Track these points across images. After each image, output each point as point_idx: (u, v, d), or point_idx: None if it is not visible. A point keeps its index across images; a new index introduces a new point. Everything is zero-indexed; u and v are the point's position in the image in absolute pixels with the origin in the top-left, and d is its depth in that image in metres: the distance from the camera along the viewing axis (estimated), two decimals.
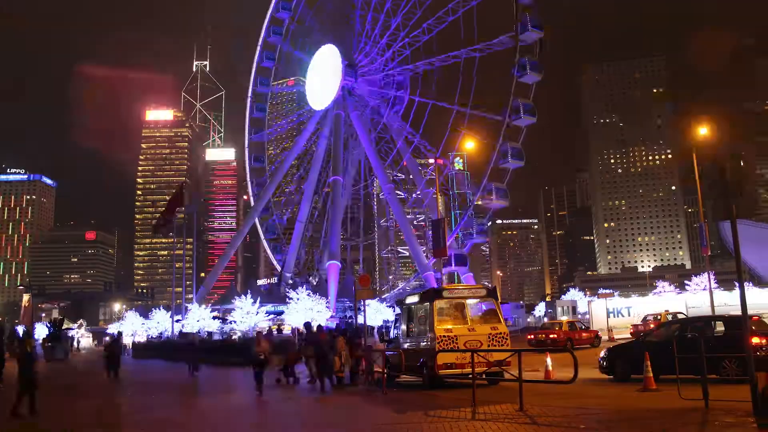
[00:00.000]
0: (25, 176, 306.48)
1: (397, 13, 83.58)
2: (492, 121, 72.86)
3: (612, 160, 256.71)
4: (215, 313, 73.44)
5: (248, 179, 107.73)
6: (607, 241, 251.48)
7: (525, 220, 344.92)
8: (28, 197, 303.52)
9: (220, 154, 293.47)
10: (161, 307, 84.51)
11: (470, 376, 15.76)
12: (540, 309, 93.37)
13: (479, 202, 74.81)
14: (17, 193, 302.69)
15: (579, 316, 66.68)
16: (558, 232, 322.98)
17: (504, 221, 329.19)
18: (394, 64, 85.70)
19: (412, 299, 23.34)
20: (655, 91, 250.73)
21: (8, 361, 25.52)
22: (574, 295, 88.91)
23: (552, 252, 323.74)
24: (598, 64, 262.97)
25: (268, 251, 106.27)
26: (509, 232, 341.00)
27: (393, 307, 60.35)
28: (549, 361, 21.01)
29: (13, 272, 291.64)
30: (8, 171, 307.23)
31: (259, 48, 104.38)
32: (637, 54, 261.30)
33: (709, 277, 45.61)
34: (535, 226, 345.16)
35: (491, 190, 70.78)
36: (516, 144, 70.63)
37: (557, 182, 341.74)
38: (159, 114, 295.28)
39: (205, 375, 32.63)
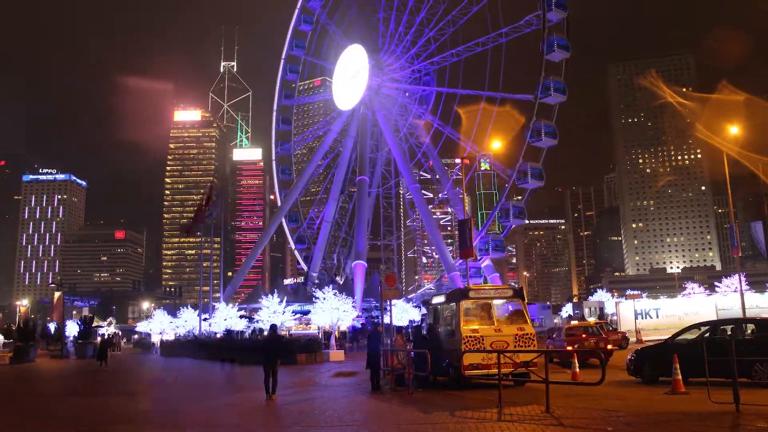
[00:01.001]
0: (57, 176, 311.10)
1: (420, 9, 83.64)
2: (523, 104, 72.46)
3: (640, 160, 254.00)
4: (242, 312, 73.82)
5: (277, 190, 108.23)
6: (635, 241, 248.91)
7: (552, 221, 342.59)
8: (60, 197, 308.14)
9: (247, 154, 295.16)
10: (189, 306, 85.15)
11: (496, 377, 15.70)
12: (567, 310, 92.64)
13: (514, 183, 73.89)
14: (49, 192, 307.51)
15: (607, 318, 66.05)
16: (585, 233, 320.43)
17: (531, 221, 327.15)
18: (420, 60, 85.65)
19: (439, 299, 23.32)
20: (684, 90, 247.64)
21: (42, 356, 25.91)
22: (601, 296, 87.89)
23: (579, 252, 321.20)
24: (623, 62, 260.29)
25: (296, 253, 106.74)
26: (536, 233, 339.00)
27: (419, 307, 60.17)
28: (576, 362, 20.86)
29: (45, 270, 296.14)
30: (41, 171, 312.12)
31: (282, 61, 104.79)
32: (663, 53, 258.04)
33: (740, 278, 44.82)
34: (562, 227, 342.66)
35: (526, 170, 70.16)
36: (549, 122, 70.13)
37: (584, 182, 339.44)
38: (187, 115, 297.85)
39: (251, 374, 32.82)
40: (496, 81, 76.64)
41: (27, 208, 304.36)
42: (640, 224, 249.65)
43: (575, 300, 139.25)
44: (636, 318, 49.12)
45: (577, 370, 20.55)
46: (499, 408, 14.35)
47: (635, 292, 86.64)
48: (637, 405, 15.12)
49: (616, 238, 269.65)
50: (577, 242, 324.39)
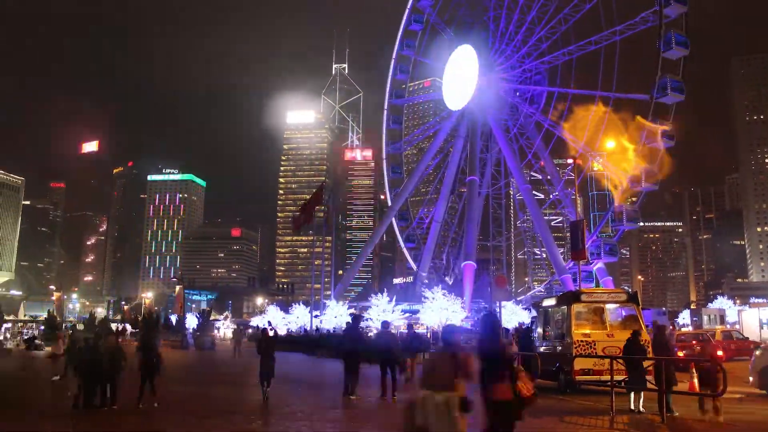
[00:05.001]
0: (179, 176, 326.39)
1: (531, 8, 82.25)
2: (638, 104, 69.92)
3: (766, 160, 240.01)
4: (352, 310, 75.04)
5: (386, 189, 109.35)
6: (760, 246, 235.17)
7: (668, 223, 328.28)
8: (181, 195, 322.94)
9: (358, 154, 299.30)
10: (300, 303, 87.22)
11: (608, 383, 15.34)
12: (684, 316, 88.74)
13: (628, 186, 71.42)
14: (171, 191, 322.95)
15: (727, 326, 62.86)
16: (704, 236, 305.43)
17: (646, 223, 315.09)
18: (531, 59, 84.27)
19: (549, 302, 23.02)
20: None
21: (164, 347, 27.21)
22: (722, 303, 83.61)
23: (698, 257, 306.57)
24: (748, 57, 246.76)
25: (405, 252, 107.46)
26: (651, 235, 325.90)
27: (529, 309, 59.36)
28: (694, 371, 20.04)
29: (168, 265, 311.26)
30: (164, 171, 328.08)
31: (393, 61, 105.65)
32: None
33: None
34: (680, 229, 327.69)
35: (640, 173, 67.78)
36: (666, 122, 67.34)
37: (704, 183, 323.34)
38: (300, 116, 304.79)
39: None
40: (609, 80, 74.38)
41: (151, 207, 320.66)
42: (766, 228, 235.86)
43: (693, 306, 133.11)
44: (761, 327, 46.46)
45: (695, 379, 19.74)
46: (612, 415, 14.02)
47: (760, 300, 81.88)
48: (759, 418, 14.40)
49: (738, 242, 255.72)
50: (696, 246, 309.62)
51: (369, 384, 20.50)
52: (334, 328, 64.23)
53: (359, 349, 19.14)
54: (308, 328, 66.36)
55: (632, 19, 70.59)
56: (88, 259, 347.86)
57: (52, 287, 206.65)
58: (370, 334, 52.98)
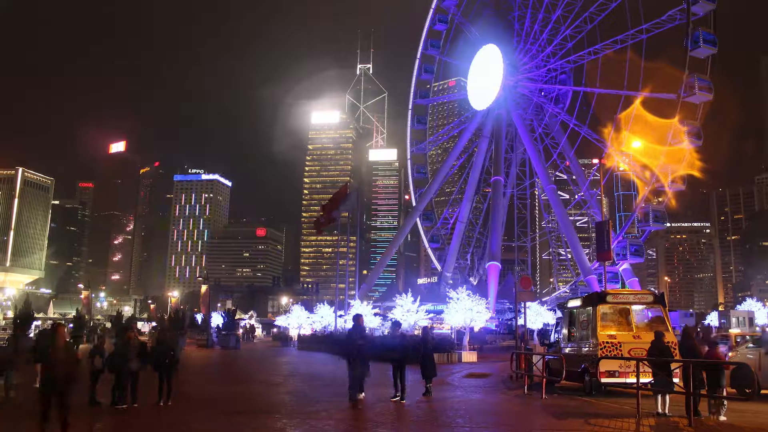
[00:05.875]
0: (204, 176, 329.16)
1: (556, 7, 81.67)
2: (665, 103, 68.93)
3: None
4: (376, 310, 75.04)
5: (411, 190, 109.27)
6: None
7: (696, 224, 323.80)
8: (206, 195, 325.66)
9: (382, 154, 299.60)
10: (325, 302, 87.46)
11: (635, 385, 15.23)
12: (712, 318, 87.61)
13: (655, 186, 70.57)
14: (197, 191, 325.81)
15: (757, 329, 61.99)
16: (733, 237, 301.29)
17: (672, 224, 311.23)
18: (556, 58, 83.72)
19: (575, 303, 22.89)
20: None
21: (190, 345, 27.56)
22: (750, 305, 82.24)
23: (725, 258, 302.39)
24: None
25: (430, 252, 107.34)
26: (678, 236, 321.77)
27: (554, 310, 58.99)
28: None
29: (193, 264, 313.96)
30: (190, 171, 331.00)
31: (417, 61, 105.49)
32: None
33: None
34: (707, 230, 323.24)
35: (666, 173, 66.93)
36: (694, 122, 66.48)
37: (732, 183, 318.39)
38: (325, 116, 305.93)
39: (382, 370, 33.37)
40: (635, 79, 73.49)
41: (178, 206, 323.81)
42: None
43: (721, 308, 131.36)
44: None
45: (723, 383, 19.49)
46: (638, 418, 13.93)
47: None
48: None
49: None
50: (724, 247, 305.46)
51: (385, 384, 20.57)
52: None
53: (361, 350, 18.52)
54: (332, 328, 66.53)
55: (659, 18, 69.84)
56: (116, 258, 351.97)
57: (81, 286, 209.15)
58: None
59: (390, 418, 15.89)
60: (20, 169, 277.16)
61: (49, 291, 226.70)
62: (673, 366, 16.16)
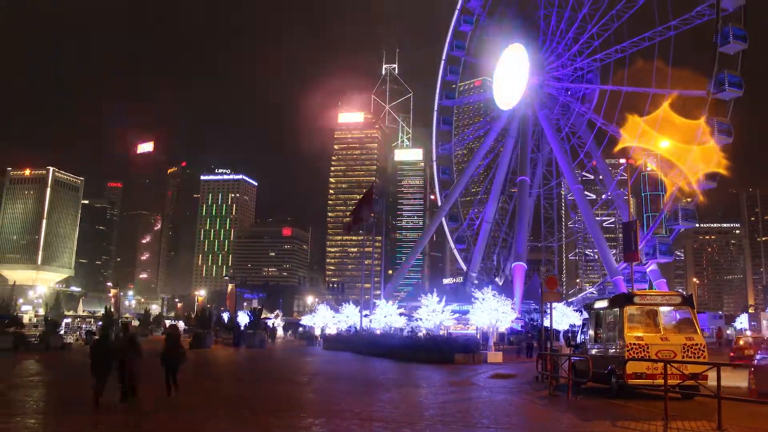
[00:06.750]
0: (231, 176, 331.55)
1: (582, 5, 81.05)
2: (694, 100, 67.97)
3: None
4: (401, 310, 75.03)
5: (436, 190, 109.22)
6: None
7: (725, 225, 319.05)
8: (233, 195, 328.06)
9: (408, 154, 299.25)
10: (350, 302, 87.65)
11: (662, 387, 15.09)
12: (742, 321, 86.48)
13: (683, 185, 69.63)
14: (224, 191, 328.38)
15: None
16: (763, 238, 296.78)
17: (701, 224, 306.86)
18: (583, 57, 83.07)
19: (601, 304, 22.73)
20: None
21: (216, 343, 27.83)
22: None
23: (756, 260, 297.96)
24: None
25: (455, 253, 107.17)
26: (707, 237, 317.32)
27: (580, 311, 58.57)
28: (752, 377, 19.56)
29: (220, 263, 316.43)
30: (216, 171, 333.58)
31: (443, 62, 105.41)
32: None
33: None
34: (737, 231, 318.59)
35: (696, 171, 66.05)
36: (723, 119, 65.52)
37: (763, 183, 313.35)
38: (350, 116, 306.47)
39: (407, 370, 33.43)
40: (664, 77, 72.62)
41: (204, 206, 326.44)
42: None
43: (751, 311, 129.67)
44: None
45: (754, 386, 19.22)
46: (665, 421, 13.80)
47: None
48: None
49: None
50: (754, 248, 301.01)
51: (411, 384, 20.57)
52: (383, 327, 64.45)
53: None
54: (358, 328, 66.74)
55: (687, 14, 69.00)
56: (143, 257, 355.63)
57: (110, 284, 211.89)
58: (420, 334, 53.18)
59: (414, 418, 15.90)
60: (51, 169, 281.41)
61: (79, 289, 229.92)
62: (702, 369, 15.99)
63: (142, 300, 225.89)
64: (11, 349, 45.56)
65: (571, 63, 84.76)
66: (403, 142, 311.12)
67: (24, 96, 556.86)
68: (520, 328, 68.06)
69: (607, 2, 77.97)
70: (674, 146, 66.49)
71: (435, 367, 32.85)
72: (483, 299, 50.90)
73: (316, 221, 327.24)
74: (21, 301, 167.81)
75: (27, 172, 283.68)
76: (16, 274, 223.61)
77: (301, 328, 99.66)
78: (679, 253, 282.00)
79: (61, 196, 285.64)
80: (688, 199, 71.01)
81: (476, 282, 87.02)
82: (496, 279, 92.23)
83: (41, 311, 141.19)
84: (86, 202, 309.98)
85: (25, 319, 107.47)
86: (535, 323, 58.28)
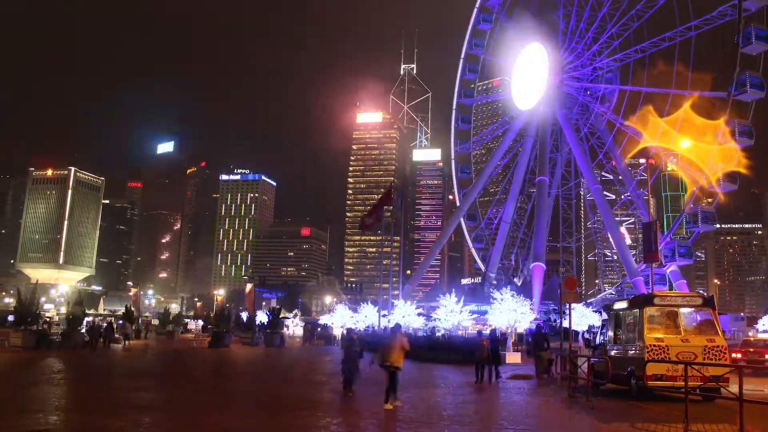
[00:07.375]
0: (250, 176, 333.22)
1: (602, 5, 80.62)
2: (715, 101, 67.32)
3: None
4: (420, 310, 75.00)
5: (455, 190, 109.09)
6: None
7: (747, 225, 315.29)
8: (252, 195, 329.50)
9: (426, 154, 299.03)
10: (368, 302, 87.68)
11: (682, 389, 14.98)
12: (764, 322, 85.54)
13: (704, 185, 69.01)
14: (243, 191, 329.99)
15: None
16: None
17: (722, 225, 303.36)
18: (602, 57, 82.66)
19: (621, 305, 22.62)
20: None
21: (235, 342, 27.91)
22: None
23: None
24: None
25: (474, 253, 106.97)
26: (728, 238, 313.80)
27: (599, 312, 58.31)
28: None
29: (239, 263, 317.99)
30: (235, 171, 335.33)
31: (461, 61, 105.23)
32: None
33: None
34: (759, 232, 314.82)
35: (716, 172, 65.49)
36: (744, 121, 64.89)
37: None
38: (369, 116, 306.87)
39: (424, 370, 33.39)
40: (684, 77, 72.06)
41: (224, 206, 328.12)
42: None
43: None
44: None
45: None
46: (686, 424, 13.69)
47: None
48: None
49: None
50: None
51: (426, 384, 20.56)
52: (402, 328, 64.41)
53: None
54: (375, 328, 66.80)
55: (709, 14, 68.40)
56: (163, 257, 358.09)
57: (130, 283, 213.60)
58: (438, 335, 53.07)
59: (432, 418, 15.90)
60: (72, 170, 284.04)
61: (100, 288, 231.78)
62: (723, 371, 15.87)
63: (162, 299, 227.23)
64: (33, 347, 45.96)
65: (591, 63, 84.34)
66: (421, 142, 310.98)
67: (46, 97, 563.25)
68: (535, 328, 67.71)
69: (627, 2, 77.62)
70: (694, 146, 65.99)
71: (453, 368, 32.82)
72: (501, 299, 50.90)
73: (334, 221, 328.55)
74: (43, 299, 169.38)
75: (49, 172, 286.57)
76: (39, 273, 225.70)
77: (319, 328, 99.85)
78: (699, 254, 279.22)
79: (83, 195, 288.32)
80: (709, 200, 70.38)
81: (495, 282, 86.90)
82: (515, 279, 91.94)
83: (63, 309, 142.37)
84: (107, 201, 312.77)
85: (50, 316, 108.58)
86: (553, 323, 58.09)
